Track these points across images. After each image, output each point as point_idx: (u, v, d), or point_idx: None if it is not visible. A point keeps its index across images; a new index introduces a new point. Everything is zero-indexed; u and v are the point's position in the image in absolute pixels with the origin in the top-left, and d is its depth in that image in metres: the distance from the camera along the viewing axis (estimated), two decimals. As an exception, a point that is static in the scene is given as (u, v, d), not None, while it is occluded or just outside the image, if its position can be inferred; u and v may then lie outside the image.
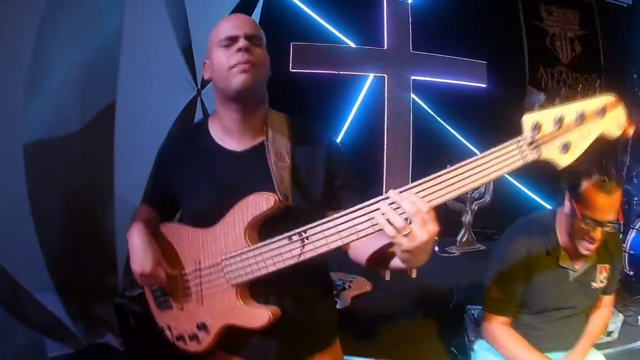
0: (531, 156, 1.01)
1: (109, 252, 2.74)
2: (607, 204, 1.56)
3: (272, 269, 1.19)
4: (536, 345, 1.76)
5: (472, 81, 4.55)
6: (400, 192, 1.04)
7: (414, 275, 3.42)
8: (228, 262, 1.25)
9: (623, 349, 1.62)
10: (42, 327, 2.54)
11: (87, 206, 2.67)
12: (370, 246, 1.23)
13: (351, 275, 3.16)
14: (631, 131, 1.03)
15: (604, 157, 1.53)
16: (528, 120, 1.01)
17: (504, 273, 1.75)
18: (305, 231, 1.13)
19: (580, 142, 1.00)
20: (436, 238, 1.03)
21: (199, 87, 3.25)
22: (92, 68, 2.56)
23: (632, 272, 3.39)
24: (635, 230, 3.54)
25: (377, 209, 1.04)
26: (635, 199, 3.81)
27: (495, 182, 4.33)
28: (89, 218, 2.70)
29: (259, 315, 1.25)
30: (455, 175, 1.03)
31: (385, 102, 4.29)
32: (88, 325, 2.69)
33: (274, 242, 1.18)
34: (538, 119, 1.00)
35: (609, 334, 2.31)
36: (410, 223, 1.00)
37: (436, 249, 4.17)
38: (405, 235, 1.01)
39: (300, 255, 1.14)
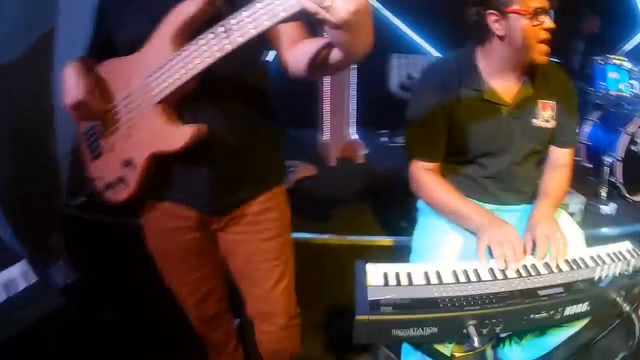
0: None
1: (52, 176, 2.73)
2: None
3: (199, 67, 1.11)
4: (477, 199, 1.68)
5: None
6: None
7: (360, 160, 3.50)
8: (154, 77, 1.18)
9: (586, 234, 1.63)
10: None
11: (28, 132, 2.62)
12: (308, 48, 1.19)
13: (296, 161, 3.22)
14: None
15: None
16: None
17: (422, 112, 1.64)
18: (228, 22, 1.05)
19: None
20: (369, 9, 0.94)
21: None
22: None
23: (590, 165, 3.51)
24: (590, 122, 3.68)
25: None
26: (591, 88, 3.91)
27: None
28: (30, 145, 2.66)
29: (180, 134, 1.18)
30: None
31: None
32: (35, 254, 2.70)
33: (198, 40, 1.10)
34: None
35: (572, 215, 2.29)
36: None
37: (385, 139, 4.24)
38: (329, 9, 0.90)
39: (228, 45, 1.06)
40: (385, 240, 2.52)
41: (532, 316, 1.13)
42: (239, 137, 1.33)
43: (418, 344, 1.26)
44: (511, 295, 1.16)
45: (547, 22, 1.48)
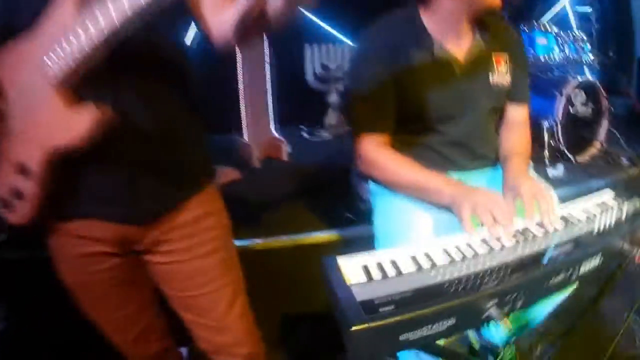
0: None
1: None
2: None
3: (101, 32, 0.85)
4: (439, 170, 1.46)
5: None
6: None
7: (284, 157, 3.30)
8: (52, 53, 0.89)
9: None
10: None
11: None
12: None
13: (217, 166, 2.93)
14: None
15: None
16: None
17: (367, 78, 1.44)
18: None
19: None
20: None
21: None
22: None
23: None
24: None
25: None
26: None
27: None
28: None
29: (79, 120, 0.90)
30: None
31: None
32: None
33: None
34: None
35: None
36: None
37: (307, 135, 4.08)
38: None
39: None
40: (332, 235, 2.29)
41: (551, 281, 0.95)
42: (161, 123, 1.05)
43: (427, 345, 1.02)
44: (524, 263, 0.97)
45: None
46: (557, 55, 3.83)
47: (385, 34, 1.47)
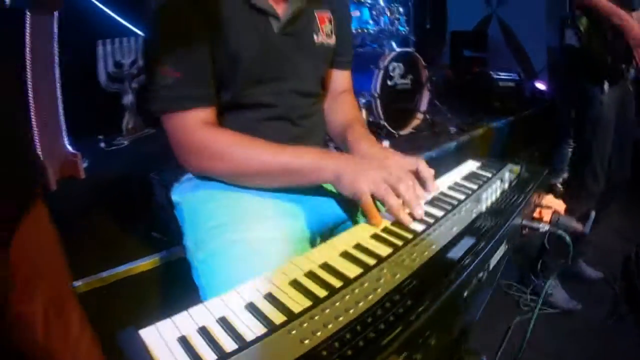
0: None
1: None
2: None
3: None
4: None
5: None
6: None
7: (82, 175, 2.72)
8: None
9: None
10: None
11: None
12: None
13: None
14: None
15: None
16: None
17: (172, 35, 1.02)
18: None
19: None
20: None
21: None
22: None
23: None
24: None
25: None
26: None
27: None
28: None
29: None
30: None
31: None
32: None
33: None
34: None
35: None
36: None
37: (102, 145, 3.50)
38: None
39: None
40: (147, 263, 1.79)
41: (464, 294, 0.65)
42: None
43: None
44: (421, 279, 0.63)
45: None
46: (372, 27, 3.73)
47: None
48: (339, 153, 1.06)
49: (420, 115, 3.66)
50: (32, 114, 2.57)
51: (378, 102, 3.28)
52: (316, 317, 0.56)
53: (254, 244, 0.97)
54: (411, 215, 0.85)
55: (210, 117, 1.05)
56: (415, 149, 3.23)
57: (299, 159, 1.01)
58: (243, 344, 0.53)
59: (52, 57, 2.64)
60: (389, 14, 3.78)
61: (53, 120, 2.72)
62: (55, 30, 2.65)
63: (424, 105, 3.66)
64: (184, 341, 0.55)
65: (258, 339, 0.53)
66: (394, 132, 3.45)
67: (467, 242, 0.70)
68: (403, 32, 3.92)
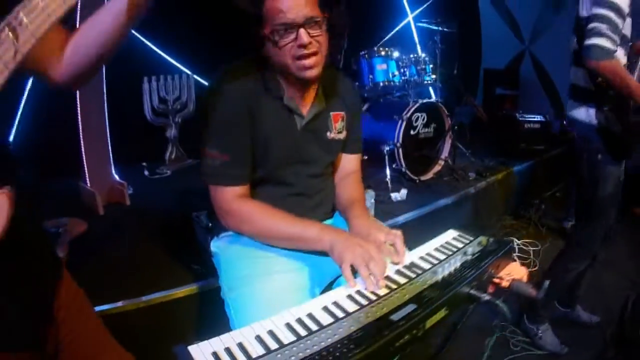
0: None
1: None
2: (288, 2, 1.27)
3: None
4: None
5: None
6: None
7: (127, 201, 3.04)
8: None
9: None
10: None
11: None
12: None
13: (63, 218, 2.63)
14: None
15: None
16: None
17: (224, 125, 1.36)
18: (14, 18, 0.76)
19: None
20: None
21: None
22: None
23: (365, 157, 3.31)
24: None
25: None
26: (357, 83, 3.84)
27: (197, 90, 4.09)
28: None
29: None
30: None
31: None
32: None
33: None
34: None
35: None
36: None
37: (145, 173, 3.84)
38: None
39: (16, 52, 0.77)
40: (188, 289, 2.07)
41: (396, 344, 0.89)
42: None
43: None
44: (366, 332, 0.89)
45: (302, 36, 1.28)
46: (397, 79, 3.91)
47: (243, 76, 1.39)
48: (335, 229, 1.37)
49: (441, 161, 3.82)
50: (82, 144, 2.92)
51: (400, 151, 3.47)
52: (294, 348, 0.85)
53: (270, 293, 1.33)
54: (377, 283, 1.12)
55: (244, 191, 1.42)
56: (434, 194, 3.40)
57: (306, 231, 1.36)
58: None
59: (102, 97, 2.97)
60: (416, 64, 3.93)
61: (102, 151, 3.05)
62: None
63: (445, 152, 3.82)
64: (215, 355, 0.86)
65: (259, 358, 0.83)
66: (415, 177, 3.62)
67: (409, 308, 0.94)
68: (429, 82, 4.05)
